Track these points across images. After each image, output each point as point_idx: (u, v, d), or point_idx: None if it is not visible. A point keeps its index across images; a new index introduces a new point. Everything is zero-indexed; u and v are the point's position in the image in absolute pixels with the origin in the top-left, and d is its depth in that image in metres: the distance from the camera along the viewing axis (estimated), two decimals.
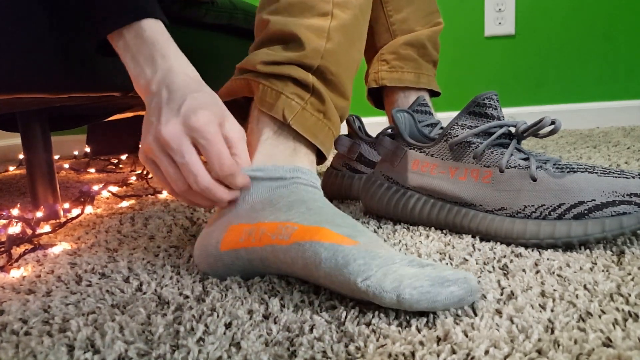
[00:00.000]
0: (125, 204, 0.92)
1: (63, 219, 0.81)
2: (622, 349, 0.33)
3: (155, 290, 0.48)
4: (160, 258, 0.58)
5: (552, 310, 0.39)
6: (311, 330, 0.39)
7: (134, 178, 1.17)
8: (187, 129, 0.47)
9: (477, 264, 0.50)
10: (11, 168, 1.54)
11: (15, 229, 0.70)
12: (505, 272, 0.48)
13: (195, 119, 0.47)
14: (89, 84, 0.65)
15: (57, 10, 0.58)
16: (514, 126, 0.59)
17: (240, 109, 0.59)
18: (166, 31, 0.53)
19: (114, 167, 1.44)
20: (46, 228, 0.75)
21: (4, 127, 1.00)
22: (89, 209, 0.87)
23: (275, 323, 0.40)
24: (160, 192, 0.99)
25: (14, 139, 1.92)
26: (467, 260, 0.52)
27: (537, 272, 0.47)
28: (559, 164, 0.57)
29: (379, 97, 0.89)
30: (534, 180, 0.55)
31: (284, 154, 0.53)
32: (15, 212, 0.77)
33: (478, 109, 0.60)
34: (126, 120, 1.30)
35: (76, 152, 1.75)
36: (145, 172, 1.20)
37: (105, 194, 1.02)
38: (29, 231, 0.71)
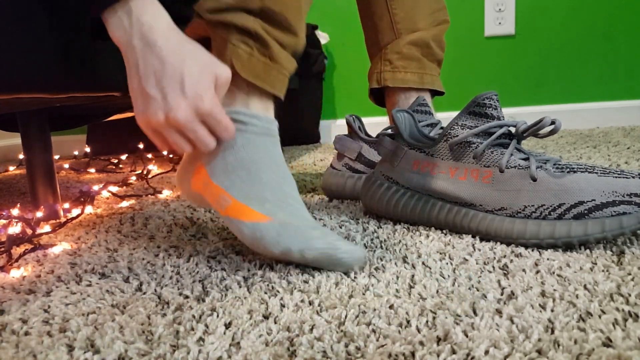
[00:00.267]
0: (125, 204, 0.92)
1: (63, 219, 0.81)
2: (622, 349, 0.33)
3: (155, 290, 0.49)
4: (160, 258, 0.58)
5: (552, 310, 0.39)
6: (311, 330, 0.39)
7: (134, 178, 1.17)
8: (199, 115, 0.50)
9: (477, 264, 0.51)
10: (11, 168, 1.54)
11: (15, 229, 0.70)
12: (505, 272, 0.48)
13: (203, 104, 0.50)
14: (89, 84, 0.65)
15: (57, 10, 0.58)
16: (514, 126, 0.59)
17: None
18: None
19: (114, 167, 1.44)
20: (46, 228, 0.75)
21: (4, 127, 1.00)
22: (89, 209, 0.87)
23: (275, 323, 0.40)
24: (160, 192, 0.99)
25: (14, 139, 1.92)
26: (467, 260, 0.52)
27: (537, 272, 0.47)
28: (559, 164, 0.57)
29: (380, 96, 0.89)
30: (534, 180, 0.55)
31: (240, 101, 0.57)
32: (15, 212, 0.77)
33: (478, 109, 0.60)
34: (126, 120, 1.30)
35: (76, 152, 1.75)
36: (145, 172, 1.20)
37: (105, 194, 1.02)
38: (29, 231, 0.71)
